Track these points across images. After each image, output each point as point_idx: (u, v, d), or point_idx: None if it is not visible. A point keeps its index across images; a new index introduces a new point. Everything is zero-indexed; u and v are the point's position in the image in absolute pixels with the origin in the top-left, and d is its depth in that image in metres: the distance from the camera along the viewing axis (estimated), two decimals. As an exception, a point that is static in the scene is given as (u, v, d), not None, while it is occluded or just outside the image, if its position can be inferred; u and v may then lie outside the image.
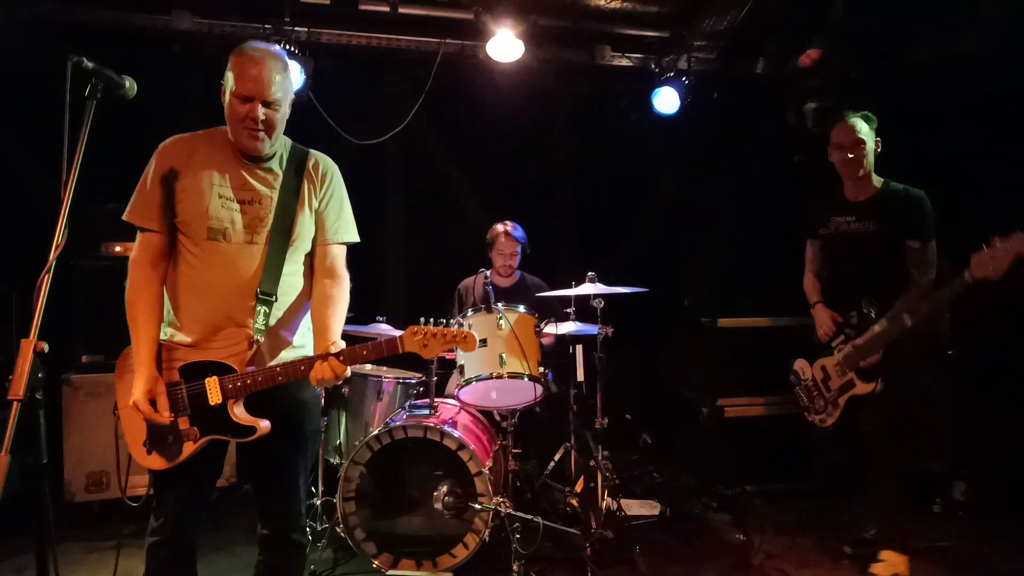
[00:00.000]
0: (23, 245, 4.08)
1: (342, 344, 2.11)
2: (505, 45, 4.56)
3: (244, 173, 2.21)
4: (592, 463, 3.71)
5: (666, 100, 5.05)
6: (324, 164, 2.35)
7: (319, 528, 3.58)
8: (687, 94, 5.03)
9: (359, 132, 4.81)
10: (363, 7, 4.55)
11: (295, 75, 4.33)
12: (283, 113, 2.19)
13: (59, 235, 1.72)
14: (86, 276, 4.01)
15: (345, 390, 3.77)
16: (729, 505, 4.25)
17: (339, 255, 2.34)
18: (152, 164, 2.18)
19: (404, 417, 3.40)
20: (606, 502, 3.70)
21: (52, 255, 1.70)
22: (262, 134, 2.13)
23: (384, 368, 4.05)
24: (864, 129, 3.40)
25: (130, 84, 2.00)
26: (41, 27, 4.26)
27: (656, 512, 4.05)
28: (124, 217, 2.17)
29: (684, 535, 3.83)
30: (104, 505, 3.93)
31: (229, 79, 2.13)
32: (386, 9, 4.54)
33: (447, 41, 4.81)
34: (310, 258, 2.32)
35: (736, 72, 5.29)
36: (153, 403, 2.05)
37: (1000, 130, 4.24)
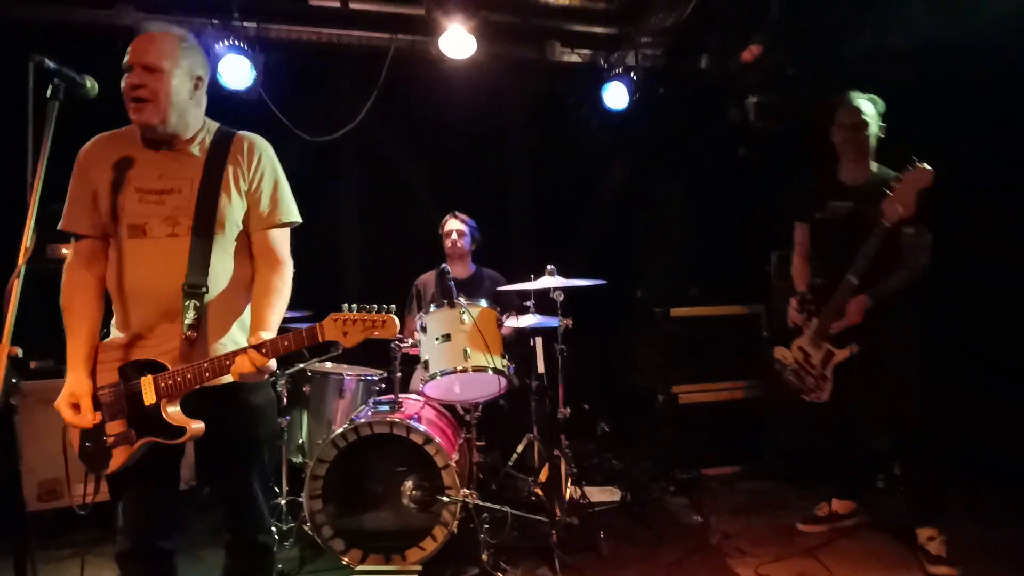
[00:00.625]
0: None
1: (266, 336, 2.04)
2: (457, 41, 4.58)
3: (161, 162, 2.13)
4: (556, 452, 3.78)
5: (615, 95, 5.14)
6: (251, 143, 2.23)
7: (285, 527, 3.56)
8: (635, 89, 5.14)
9: (312, 129, 4.78)
10: (313, 2, 4.53)
11: (238, 68, 4.31)
12: (175, 85, 2.08)
13: (27, 238, 1.70)
14: (33, 279, 3.87)
15: (307, 388, 3.76)
16: (686, 489, 4.38)
17: (278, 238, 2.24)
18: (75, 169, 2.15)
19: (369, 414, 3.40)
20: (569, 490, 3.78)
21: (21, 259, 1.68)
22: (145, 104, 2.04)
23: (345, 365, 4.04)
24: (869, 111, 3.36)
25: (91, 84, 1.98)
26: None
27: (617, 498, 4.15)
28: (59, 227, 2.14)
29: (645, 519, 3.93)
30: (58, 514, 3.83)
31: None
32: (336, 4, 4.53)
33: (399, 37, 4.82)
34: (247, 244, 2.24)
35: (682, 68, 5.42)
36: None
37: (929, 126, 4.47)
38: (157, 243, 2.08)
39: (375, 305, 2.02)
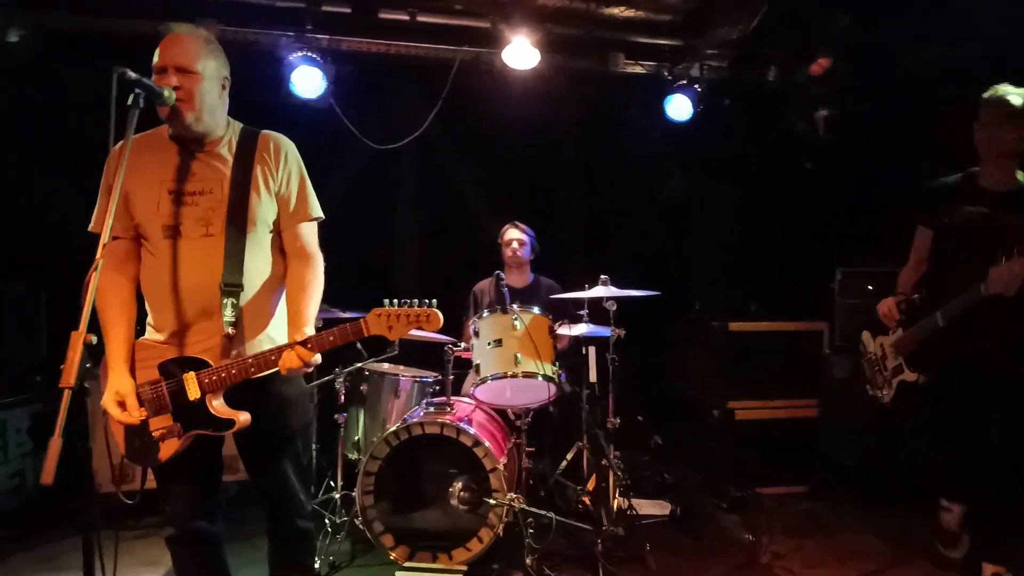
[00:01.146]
0: (49, 249, 4.27)
1: (309, 332, 2.11)
2: (521, 53, 4.66)
3: (192, 164, 2.18)
4: (604, 462, 3.79)
5: (679, 107, 5.13)
6: (277, 143, 2.29)
7: (338, 521, 3.68)
8: (699, 101, 5.11)
9: (377, 136, 4.94)
10: (383, 15, 4.68)
11: (310, 78, 4.50)
12: (206, 87, 2.14)
13: (106, 234, 1.82)
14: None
15: (364, 388, 3.87)
16: (739, 506, 4.32)
17: (308, 234, 2.31)
18: (105, 171, 2.21)
19: (421, 414, 3.49)
20: (617, 500, 3.78)
21: (100, 253, 1.80)
22: (181, 104, 2.09)
23: (401, 367, 4.16)
24: (1021, 108, 2.92)
25: (168, 93, 2.09)
26: (65, 39, 4.42)
27: (667, 512, 4.12)
28: (90, 229, 2.21)
29: (694, 534, 3.90)
30: (129, 496, 4.05)
31: (153, 65, 2.14)
32: (405, 18, 4.67)
33: (464, 49, 4.93)
34: (279, 241, 2.30)
35: (748, 80, 5.37)
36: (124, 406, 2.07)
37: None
38: (193, 243, 2.14)
39: (415, 300, 2.09)
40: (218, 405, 2.12)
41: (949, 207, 3.14)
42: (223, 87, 2.24)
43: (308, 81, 4.52)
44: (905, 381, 3.30)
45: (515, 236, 4.58)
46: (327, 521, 3.67)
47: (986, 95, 3.04)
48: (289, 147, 2.33)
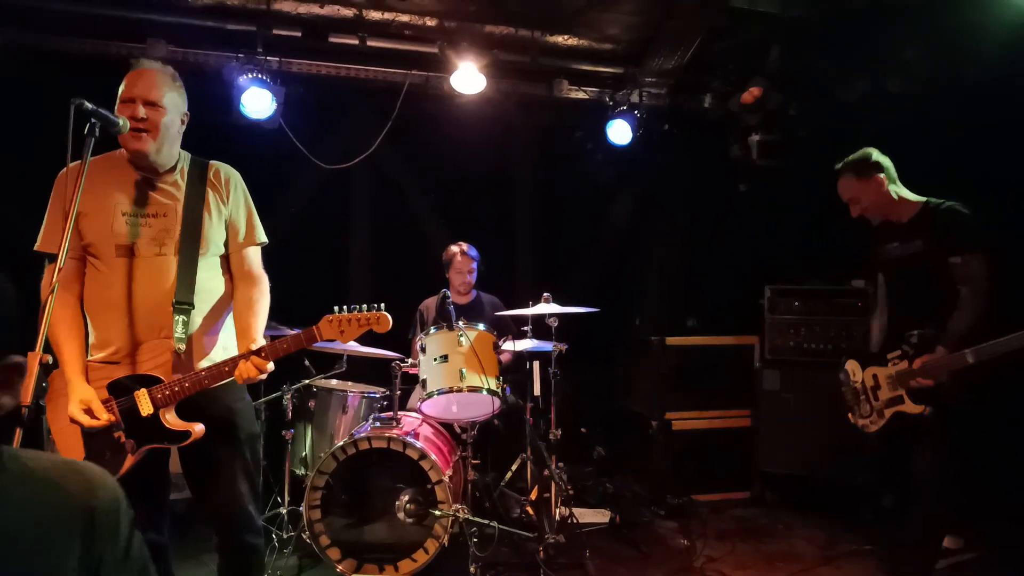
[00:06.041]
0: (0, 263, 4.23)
1: (262, 342, 2.25)
2: (468, 78, 4.81)
3: (146, 188, 2.30)
4: (546, 473, 3.94)
5: (619, 132, 5.33)
6: (226, 172, 2.44)
7: (285, 536, 3.74)
8: (639, 126, 5.33)
9: (327, 157, 5.03)
10: (333, 39, 4.78)
11: (260, 99, 4.54)
12: (170, 120, 2.27)
13: (61, 259, 1.91)
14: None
15: (312, 404, 3.95)
16: (676, 513, 4.51)
17: (254, 257, 2.47)
18: (54, 193, 2.29)
19: (368, 429, 3.58)
20: (559, 510, 3.94)
21: (55, 278, 1.88)
22: (144, 134, 2.20)
23: (349, 383, 4.24)
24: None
25: (124, 122, 2.18)
26: (17, 55, 4.40)
27: (607, 520, 4.29)
28: (36, 248, 2.28)
29: (632, 541, 4.08)
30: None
31: (120, 94, 2.26)
32: (355, 42, 4.78)
33: (413, 72, 5.06)
34: (227, 262, 2.44)
35: (685, 107, 5.63)
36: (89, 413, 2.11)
37: (923, 167, 4.64)
38: (146, 261, 2.24)
39: (364, 305, 2.27)
40: (171, 419, 2.19)
41: (878, 251, 3.34)
42: (182, 122, 2.37)
43: (258, 102, 4.57)
44: (903, 412, 3.12)
45: (465, 266, 4.65)
46: (274, 536, 3.73)
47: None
48: (237, 177, 2.48)
